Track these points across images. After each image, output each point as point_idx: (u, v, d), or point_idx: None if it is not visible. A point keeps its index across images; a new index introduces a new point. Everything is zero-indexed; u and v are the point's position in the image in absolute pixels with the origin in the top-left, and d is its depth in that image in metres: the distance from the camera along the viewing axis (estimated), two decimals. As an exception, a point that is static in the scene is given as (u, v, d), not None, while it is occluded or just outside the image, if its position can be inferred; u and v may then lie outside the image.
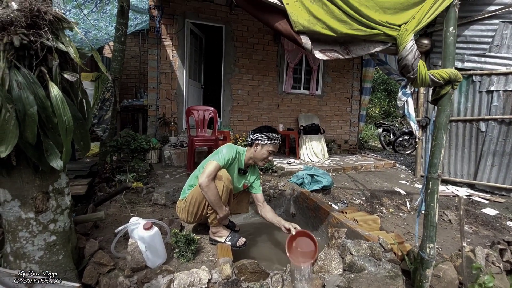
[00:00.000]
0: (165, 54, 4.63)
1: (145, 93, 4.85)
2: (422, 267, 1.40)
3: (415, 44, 1.19)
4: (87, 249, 1.58)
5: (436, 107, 1.40)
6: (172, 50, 4.65)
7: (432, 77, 1.25)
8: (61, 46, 1.21)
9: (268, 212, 2.01)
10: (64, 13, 1.27)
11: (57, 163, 1.17)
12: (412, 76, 1.24)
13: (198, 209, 1.75)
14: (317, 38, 1.17)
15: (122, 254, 1.56)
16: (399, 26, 1.23)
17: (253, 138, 1.89)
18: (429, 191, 1.39)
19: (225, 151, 1.79)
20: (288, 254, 1.64)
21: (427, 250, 1.38)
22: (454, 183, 4.07)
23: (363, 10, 1.17)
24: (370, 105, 12.85)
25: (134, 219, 1.50)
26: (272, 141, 1.87)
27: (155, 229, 1.47)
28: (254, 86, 5.22)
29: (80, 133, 1.35)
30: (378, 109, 13.20)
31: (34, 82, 1.12)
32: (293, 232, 1.78)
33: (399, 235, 2.02)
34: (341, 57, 1.23)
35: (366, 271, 1.58)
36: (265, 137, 1.85)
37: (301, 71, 5.60)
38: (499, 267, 1.91)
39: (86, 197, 2.65)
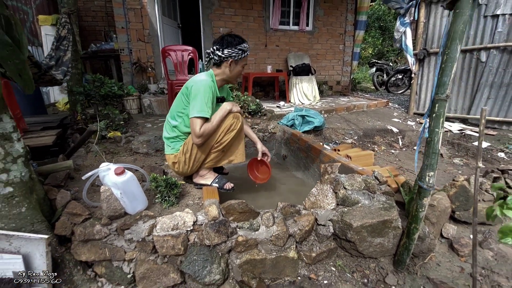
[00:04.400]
0: (131, -14, 3.98)
1: (115, 35, 4.29)
2: (420, 197, 1.32)
3: None
4: (58, 201, 1.43)
5: (451, 13, 1.16)
6: (138, -20, 3.98)
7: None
8: None
9: (244, 125, 1.84)
10: None
11: (-17, 98, 0.93)
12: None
13: (203, 153, 1.60)
14: None
15: (97, 203, 1.43)
16: None
17: (224, 55, 1.56)
18: (434, 114, 1.23)
19: (203, 98, 1.48)
20: (248, 173, 2.09)
21: (427, 178, 1.28)
22: (447, 119, 4.00)
23: None
24: (364, 45, 12.18)
25: (104, 165, 1.33)
26: (246, 53, 1.61)
27: (129, 173, 1.32)
28: (237, 23, 4.67)
29: (14, 64, 1.08)
30: (371, 50, 12.57)
31: None
32: (258, 157, 1.94)
33: (394, 169, 1.95)
34: None
35: (359, 204, 1.52)
36: (240, 51, 1.56)
37: (290, 3, 5.00)
38: (492, 194, 1.90)
39: (61, 151, 2.45)
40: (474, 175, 1.90)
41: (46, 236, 1.13)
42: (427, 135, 1.25)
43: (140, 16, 4.07)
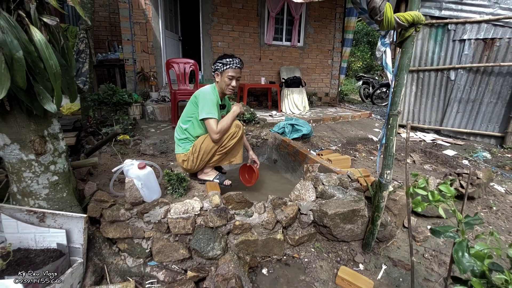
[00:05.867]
0: (137, 2, 4.32)
1: (119, 46, 4.61)
2: (380, 190, 1.67)
3: (383, -13, 1.27)
4: (86, 190, 1.73)
5: (400, 50, 1.54)
6: (144, -3, 4.34)
7: (397, 19, 1.36)
8: (35, -13, 1.19)
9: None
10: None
11: (51, 106, 1.24)
12: (379, 19, 1.34)
13: (209, 154, 1.92)
14: (293, -20, 1.22)
15: (119, 193, 1.73)
16: (371, -32, 1.28)
17: (213, 69, 1.97)
18: (389, 126, 1.59)
19: (209, 102, 1.85)
20: (239, 176, 2.41)
21: (385, 176, 1.64)
22: (422, 130, 4.44)
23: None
24: (353, 59, 12.80)
25: (128, 161, 1.64)
26: (228, 66, 1.88)
27: (149, 168, 1.63)
28: (234, 38, 5.07)
29: (66, 80, 1.40)
30: (360, 63, 13.20)
31: (16, 26, 1.13)
32: (248, 164, 2.31)
33: (366, 170, 2.31)
34: (315, -1, 1.30)
35: (335, 198, 1.86)
36: (220, 64, 1.89)
37: (283, 21, 5.44)
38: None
39: (76, 151, 2.73)
40: (432, 176, 2.29)
41: (85, 215, 1.43)
42: (384, 142, 1.62)
43: (145, 30, 4.41)
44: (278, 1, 5.07)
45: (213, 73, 1.97)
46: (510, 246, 0.84)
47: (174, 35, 5.07)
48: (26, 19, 1.18)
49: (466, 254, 0.88)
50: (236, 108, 1.93)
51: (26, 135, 1.32)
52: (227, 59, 1.89)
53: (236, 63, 1.90)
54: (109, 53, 4.85)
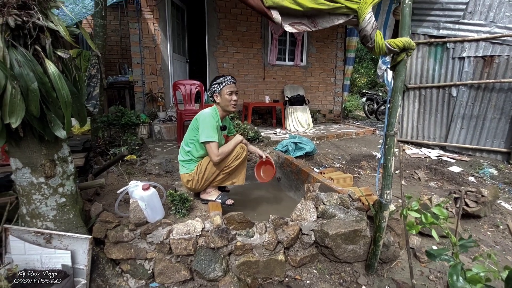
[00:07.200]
0: (146, 28, 4.57)
1: (130, 69, 4.82)
2: (381, 210, 1.67)
3: (373, 16, 1.35)
4: (92, 211, 1.78)
5: (394, 73, 1.60)
6: (153, 23, 4.58)
7: (388, 45, 1.43)
8: (51, 25, 1.31)
9: (247, 144, 2.25)
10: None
11: (61, 133, 1.32)
12: (370, 45, 1.41)
13: (214, 174, 1.99)
14: (287, 12, 1.31)
15: (124, 213, 1.78)
16: (360, -1, 1.37)
17: (209, 93, 2.06)
18: (387, 146, 1.62)
19: (209, 126, 1.90)
20: (255, 174, 2.41)
21: (385, 195, 1.65)
22: (427, 146, 4.42)
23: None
24: (357, 75, 12.97)
25: (133, 182, 1.70)
26: (223, 84, 1.98)
27: (153, 189, 1.68)
28: (239, 59, 5.25)
29: (76, 106, 1.49)
30: (364, 79, 13.34)
31: (32, 60, 1.24)
32: (263, 159, 2.30)
33: (368, 189, 2.31)
34: (308, 29, 1.38)
35: (336, 217, 1.86)
36: (216, 85, 2.00)
37: (286, 42, 5.63)
38: (451, 211, 2.25)
39: (84, 171, 2.81)
40: (435, 195, 2.27)
41: (90, 236, 1.47)
42: (383, 162, 1.64)
43: (154, 53, 4.63)
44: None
45: (211, 98, 2.06)
46: (505, 269, 0.84)
47: (181, 58, 5.29)
48: (42, 53, 1.29)
49: (460, 278, 0.88)
50: (239, 137, 2.03)
51: (37, 159, 1.40)
52: (221, 79, 2.01)
53: (229, 79, 2.01)
54: (119, 75, 5.08)
